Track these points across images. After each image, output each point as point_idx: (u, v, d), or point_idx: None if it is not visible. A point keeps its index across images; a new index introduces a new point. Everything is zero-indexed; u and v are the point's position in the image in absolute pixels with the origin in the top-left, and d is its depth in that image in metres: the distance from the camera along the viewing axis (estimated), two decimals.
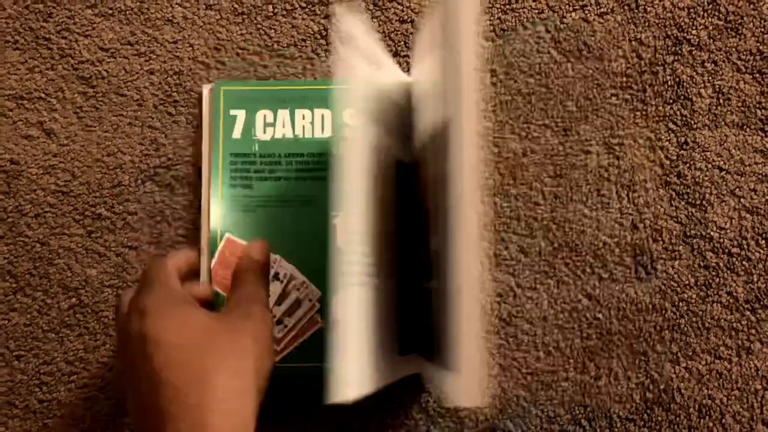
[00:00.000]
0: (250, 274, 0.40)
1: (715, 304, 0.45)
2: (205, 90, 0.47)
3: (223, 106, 0.46)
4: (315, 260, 0.44)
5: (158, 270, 0.37)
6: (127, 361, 0.34)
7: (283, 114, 0.46)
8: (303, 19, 0.49)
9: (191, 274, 0.41)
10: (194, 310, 0.35)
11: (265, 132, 0.46)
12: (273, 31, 0.49)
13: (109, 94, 0.49)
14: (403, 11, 0.49)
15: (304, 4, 0.49)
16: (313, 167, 0.46)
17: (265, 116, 0.46)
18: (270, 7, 0.49)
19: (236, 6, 0.49)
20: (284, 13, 0.49)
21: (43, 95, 0.49)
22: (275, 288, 0.44)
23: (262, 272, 0.40)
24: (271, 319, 0.37)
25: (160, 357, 0.32)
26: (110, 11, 0.49)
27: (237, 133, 0.46)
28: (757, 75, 0.48)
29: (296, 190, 0.45)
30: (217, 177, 0.45)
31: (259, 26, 0.49)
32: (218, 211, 0.45)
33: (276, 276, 0.44)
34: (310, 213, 0.45)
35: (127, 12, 0.49)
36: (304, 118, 0.46)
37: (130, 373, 0.33)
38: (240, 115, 0.46)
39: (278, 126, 0.46)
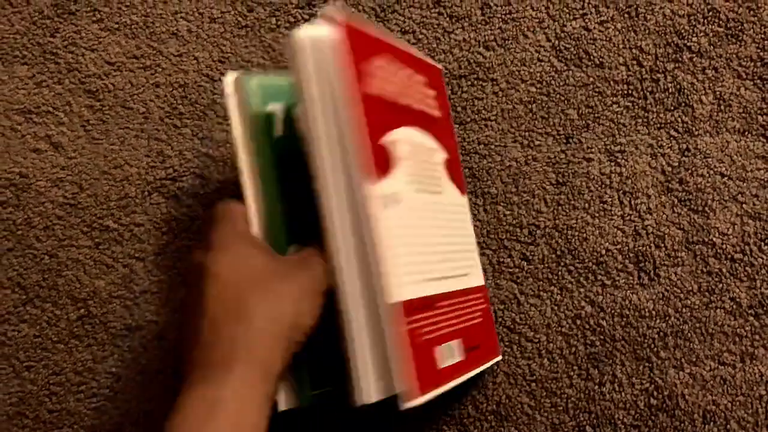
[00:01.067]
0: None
1: (718, 310, 0.46)
2: (229, 84, 0.40)
3: (259, 101, 0.40)
4: None
5: (226, 210, 0.37)
6: (186, 292, 0.36)
7: None
8: None
9: None
10: (254, 249, 0.35)
11: None
12: (276, 43, 0.50)
13: (116, 107, 0.49)
14: (404, 22, 0.49)
15: (307, 17, 0.50)
16: None
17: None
18: (273, 20, 0.50)
19: (240, 19, 0.50)
20: (287, 25, 0.50)
21: (50, 109, 0.49)
22: None
23: None
24: (325, 277, 0.35)
25: (212, 290, 0.33)
26: (116, 26, 0.50)
27: (278, 130, 0.40)
28: (758, 81, 0.48)
29: None
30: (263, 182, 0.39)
31: (262, 39, 0.50)
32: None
33: None
34: None
35: (133, 26, 0.50)
36: None
37: (185, 304, 0.35)
38: (279, 109, 0.40)
39: None
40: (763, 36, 0.48)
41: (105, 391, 0.47)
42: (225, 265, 0.34)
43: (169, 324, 0.47)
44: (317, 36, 0.34)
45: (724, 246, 0.46)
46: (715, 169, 0.47)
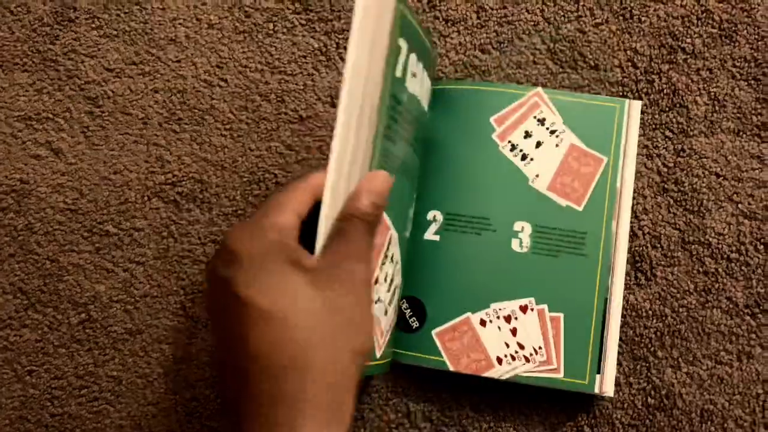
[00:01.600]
0: (361, 225, 0.32)
1: (714, 309, 0.46)
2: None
3: (398, 30, 0.35)
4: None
5: (269, 209, 0.32)
6: (212, 304, 0.31)
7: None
8: (303, 36, 0.50)
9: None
10: (293, 272, 0.29)
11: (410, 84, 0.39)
12: (274, 48, 0.50)
13: (115, 113, 0.50)
14: None
15: (304, 22, 0.50)
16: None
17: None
18: (271, 25, 0.50)
19: (237, 25, 0.50)
20: (285, 30, 0.50)
21: (50, 115, 0.50)
22: (389, 269, 0.41)
23: (374, 225, 0.33)
24: (372, 284, 0.32)
25: (249, 321, 0.28)
26: (115, 32, 0.50)
27: (398, 71, 0.36)
28: (752, 81, 0.48)
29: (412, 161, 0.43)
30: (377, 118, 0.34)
31: (260, 44, 0.50)
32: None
33: (390, 257, 0.41)
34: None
35: (132, 33, 0.50)
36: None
37: (219, 336, 0.31)
38: (404, 48, 0.36)
39: (415, 83, 0.40)
40: (756, 36, 0.48)
41: (106, 395, 0.47)
42: (257, 290, 0.29)
43: (169, 328, 0.47)
44: None
45: (720, 246, 0.46)
46: (711, 170, 0.47)
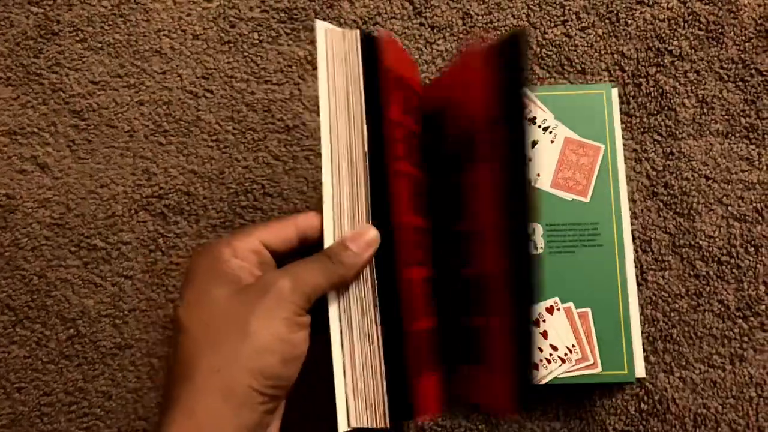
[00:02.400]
0: (326, 262, 0.32)
1: (706, 312, 0.46)
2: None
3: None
4: None
5: (236, 232, 0.33)
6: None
7: None
8: (288, 45, 0.50)
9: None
10: (217, 286, 0.30)
11: None
12: (260, 58, 0.50)
13: (101, 126, 0.49)
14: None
15: (289, 31, 0.50)
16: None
17: None
18: (256, 35, 0.50)
19: (222, 35, 0.50)
20: (270, 40, 0.50)
21: (36, 130, 0.49)
22: None
23: (338, 278, 0.32)
24: (297, 295, 0.30)
25: (178, 346, 0.30)
26: (99, 45, 0.50)
27: None
28: (740, 83, 0.48)
29: None
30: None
31: (245, 54, 0.50)
32: None
33: None
34: None
35: (116, 45, 0.50)
36: None
37: None
38: None
39: None
40: (743, 38, 0.48)
41: (96, 411, 0.47)
42: (189, 312, 0.30)
43: (159, 342, 0.47)
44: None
45: (710, 249, 0.46)
46: (700, 172, 0.47)
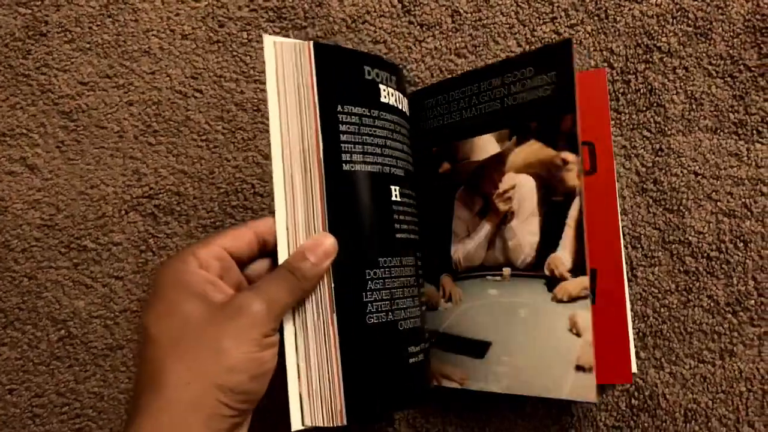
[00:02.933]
0: (292, 280, 0.33)
1: (696, 308, 0.46)
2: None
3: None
4: None
5: (198, 242, 0.34)
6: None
7: None
8: None
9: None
10: (190, 301, 0.31)
11: None
12: (249, 57, 0.50)
13: (90, 127, 0.49)
14: (375, 32, 0.50)
15: (278, 30, 0.50)
16: None
17: None
18: (245, 34, 0.50)
19: (211, 35, 0.50)
20: (259, 39, 0.50)
21: (25, 131, 0.49)
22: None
23: (302, 293, 0.33)
24: (267, 322, 0.31)
25: (141, 353, 0.31)
26: (88, 45, 0.50)
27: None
28: (729, 79, 0.48)
29: None
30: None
31: (234, 53, 0.50)
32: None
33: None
34: None
35: (105, 45, 0.50)
36: None
37: None
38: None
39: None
40: (732, 34, 0.48)
41: (88, 412, 0.47)
42: (157, 323, 0.31)
43: None
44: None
45: (700, 244, 0.46)
46: (689, 168, 0.47)
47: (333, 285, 0.34)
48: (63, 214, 0.48)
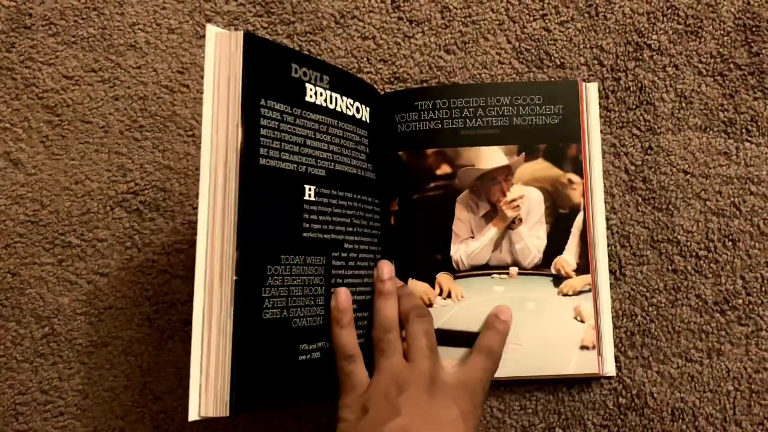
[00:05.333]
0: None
1: (684, 307, 0.46)
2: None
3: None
4: None
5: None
6: None
7: None
8: None
9: None
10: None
11: None
12: None
13: (75, 121, 0.49)
14: (364, 28, 0.49)
15: (265, 25, 0.49)
16: None
17: None
18: (232, 29, 0.49)
19: (198, 29, 0.49)
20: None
21: (8, 125, 0.49)
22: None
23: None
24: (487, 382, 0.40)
25: None
26: (73, 39, 0.49)
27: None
28: (719, 77, 0.48)
29: None
30: None
31: None
32: None
33: None
34: None
35: (90, 39, 0.49)
36: None
37: None
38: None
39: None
40: (722, 32, 0.48)
41: (72, 410, 0.46)
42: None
43: (135, 339, 0.47)
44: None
45: (688, 243, 0.46)
46: (678, 167, 0.47)
47: (235, 278, 0.34)
48: (47, 210, 0.48)
